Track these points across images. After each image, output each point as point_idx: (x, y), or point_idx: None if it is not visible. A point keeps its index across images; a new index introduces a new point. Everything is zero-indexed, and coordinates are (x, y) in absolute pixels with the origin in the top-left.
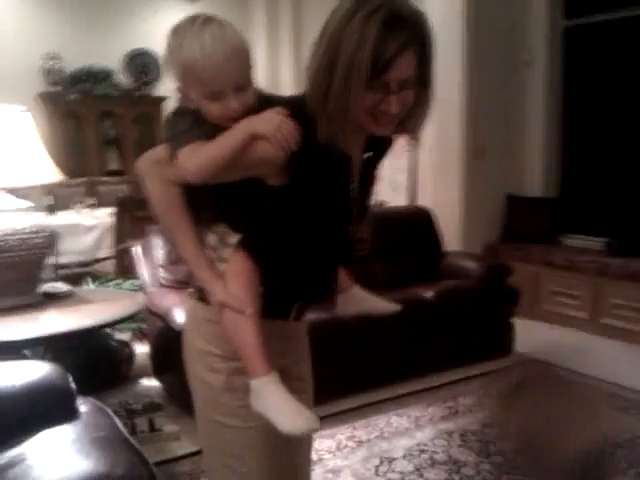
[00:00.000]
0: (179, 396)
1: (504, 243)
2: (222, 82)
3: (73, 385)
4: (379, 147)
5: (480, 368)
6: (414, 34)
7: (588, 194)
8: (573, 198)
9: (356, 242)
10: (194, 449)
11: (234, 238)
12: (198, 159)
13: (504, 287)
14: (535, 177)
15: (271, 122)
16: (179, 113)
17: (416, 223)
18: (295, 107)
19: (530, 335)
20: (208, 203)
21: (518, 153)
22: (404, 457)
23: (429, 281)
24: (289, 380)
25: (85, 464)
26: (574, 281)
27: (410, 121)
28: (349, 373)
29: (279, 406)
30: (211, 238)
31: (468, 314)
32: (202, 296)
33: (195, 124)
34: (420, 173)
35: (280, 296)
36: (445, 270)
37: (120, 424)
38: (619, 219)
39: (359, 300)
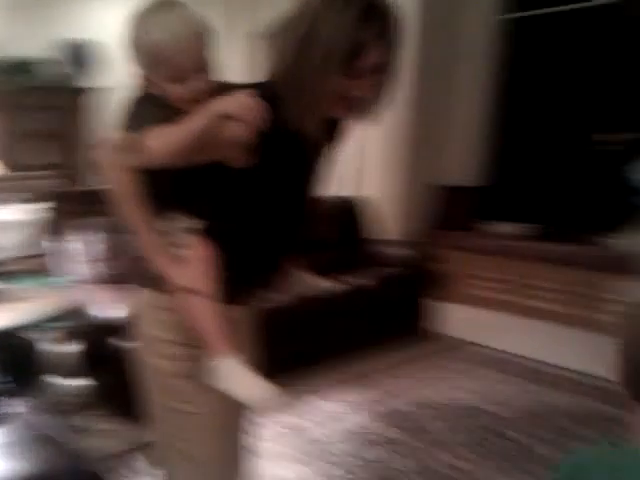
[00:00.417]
0: (112, 394)
1: (433, 230)
2: (185, 64)
3: None
4: (335, 132)
5: (408, 352)
6: (388, 24)
7: (514, 182)
8: (499, 186)
9: (310, 223)
10: (127, 447)
11: (191, 224)
12: (168, 141)
13: (428, 272)
14: (464, 166)
15: (240, 103)
16: (140, 100)
17: (343, 213)
18: (260, 90)
19: (455, 317)
20: (167, 190)
21: (448, 143)
22: (341, 441)
23: (358, 269)
24: None
25: (16, 465)
26: (496, 265)
27: (373, 107)
28: (284, 359)
29: (245, 381)
30: (168, 225)
31: (396, 299)
32: (157, 285)
33: (159, 108)
34: (357, 164)
35: (239, 281)
36: (373, 256)
37: (52, 423)
38: (543, 205)
39: (301, 281)
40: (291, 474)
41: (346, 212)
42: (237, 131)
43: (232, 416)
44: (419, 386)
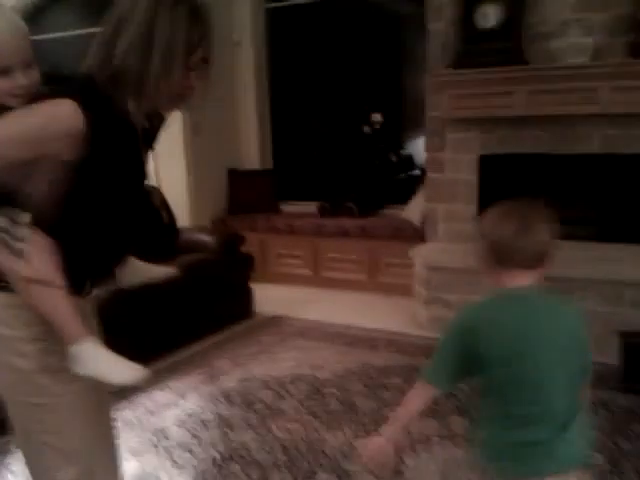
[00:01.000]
0: None
1: (230, 215)
2: (11, 58)
3: None
4: (153, 121)
5: (228, 333)
6: (208, 19)
7: (299, 164)
8: (287, 168)
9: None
10: None
11: (25, 217)
12: None
13: (239, 255)
14: (251, 151)
15: (61, 117)
16: None
17: (147, 203)
18: (86, 87)
19: (265, 296)
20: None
21: (235, 130)
22: (176, 426)
23: (169, 257)
24: None
25: None
26: (295, 243)
27: (199, 97)
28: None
29: (108, 362)
30: (2, 220)
31: (210, 284)
32: (2, 283)
33: None
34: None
35: (75, 272)
36: (182, 245)
37: None
38: (328, 184)
39: (137, 270)
40: (133, 465)
41: (152, 202)
42: (65, 124)
43: (92, 402)
44: (243, 363)
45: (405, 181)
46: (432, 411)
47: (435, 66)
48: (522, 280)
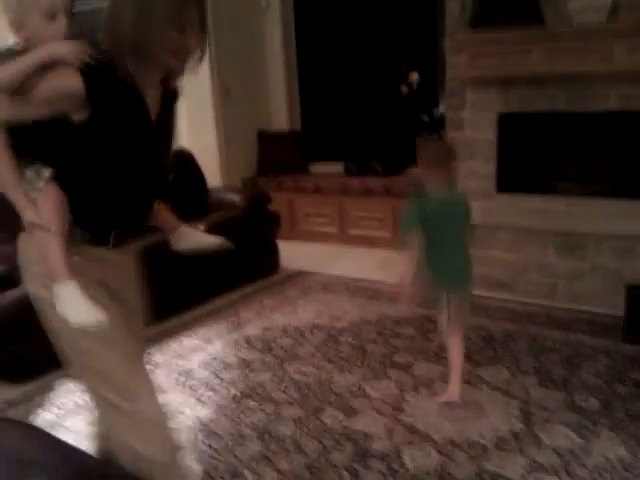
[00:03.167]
0: None
1: (260, 176)
2: (57, 2)
3: None
4: (170, 90)
5: (254, 286)
6: None
7: (326, 125)
8: (315, 130)
9: (164, 170)
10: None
11: (47, 172)
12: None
13: (265, 213)
14: (281, 113)
15: (68, 46)
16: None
17: (180, 164)
18: (94, 45)
19: (292, 253)
20: (25, 142)
21: (263, 93)
22: (201, 367)
23: (199, 216)
24: (119, 305)
25: None
26: (322, 202)
27: (196, 59)
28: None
29: (73, 303)
30: (29, 173)
31: (238, 241)
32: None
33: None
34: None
35: (97, 224)
36: (212, 204)
37: None
38: (355, 145)
39: (188, 237)
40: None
41: (181, 162)
42: (67, 79)
43: (125, 339)
44: (267, 313)
45: None
46: (437, 357)
47: (454, 27)
48: (441, 182)
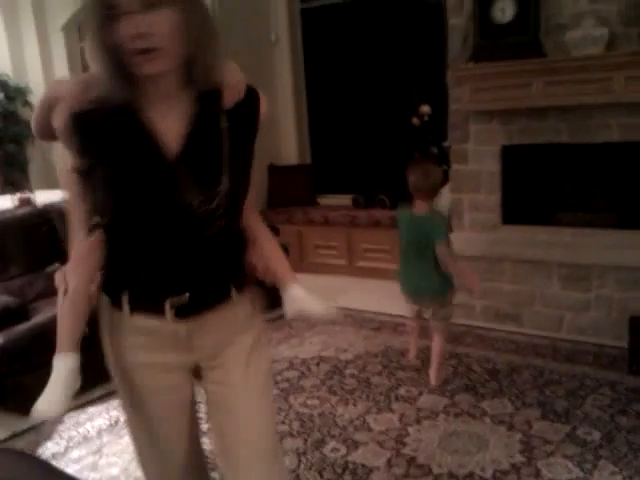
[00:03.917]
0: None
1: (270, 208)
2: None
3: None
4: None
5: (268, 317)
6: None
7: (335, 158)
8: (323, 163)
9: (205, 217)
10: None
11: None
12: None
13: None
14: (290, 147)
15: (50, 85)
16: None
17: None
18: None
19: (302, 285)
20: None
21: (274, 127)
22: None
23: None
24: (208, 371)
25: None
26: (331, 234)
27: (196, 63)
28: None
29: (48, 384)
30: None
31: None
32: None
33: None
34: None
35: (143, 289)
36: None
37: None
38: (363, 177)
39: (295, 300)
40: None
41: None
42: (58, 117)
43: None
44: (273, 345)
45: (443, 173)
46: (442, 390)
47: (455, 60)
48: (421, 205)
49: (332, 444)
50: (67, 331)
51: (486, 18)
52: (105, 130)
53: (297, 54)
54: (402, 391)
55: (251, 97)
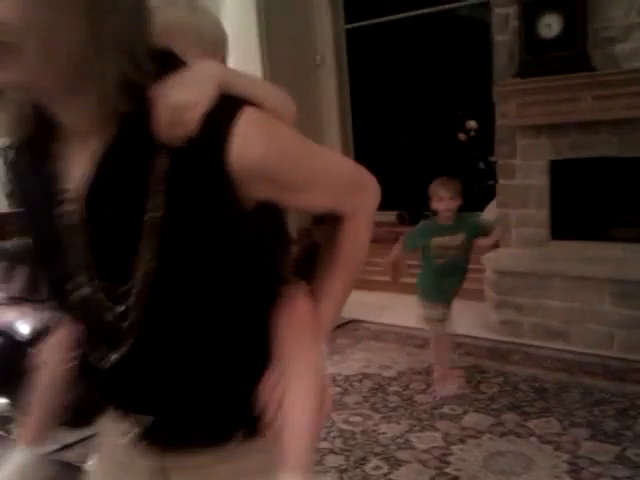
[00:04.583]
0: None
1: (315, 225)
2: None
3: None
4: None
5: None
6: None
7: (380, 175)
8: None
9: (111, 326)
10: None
11: None
12: None
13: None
14: None
15: None
16: None
17: None
18: None
19: (346, 302)
20: None
21: (319, 144)
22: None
23: None
24: None
25: None
26: (375, 250)
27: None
28: None
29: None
30: None
31: None
32: None
33: None
34: None
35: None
36: None
37: None
38: (406, 194)
39: None
40: None
41: None
42: None
43: None
44: None
45: (489, 188)
46: (487, 408)
47: (501, 76)
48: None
49: (374, 462)
50: (31, 423)
51: (532, 34)
52: (19, 178)
53: (342, 74)
54: (446, 409)
55: (219, 132)
